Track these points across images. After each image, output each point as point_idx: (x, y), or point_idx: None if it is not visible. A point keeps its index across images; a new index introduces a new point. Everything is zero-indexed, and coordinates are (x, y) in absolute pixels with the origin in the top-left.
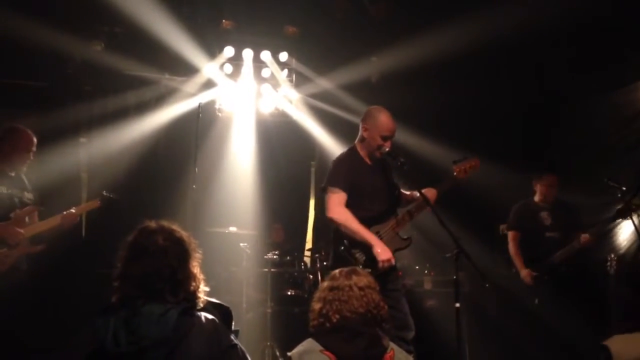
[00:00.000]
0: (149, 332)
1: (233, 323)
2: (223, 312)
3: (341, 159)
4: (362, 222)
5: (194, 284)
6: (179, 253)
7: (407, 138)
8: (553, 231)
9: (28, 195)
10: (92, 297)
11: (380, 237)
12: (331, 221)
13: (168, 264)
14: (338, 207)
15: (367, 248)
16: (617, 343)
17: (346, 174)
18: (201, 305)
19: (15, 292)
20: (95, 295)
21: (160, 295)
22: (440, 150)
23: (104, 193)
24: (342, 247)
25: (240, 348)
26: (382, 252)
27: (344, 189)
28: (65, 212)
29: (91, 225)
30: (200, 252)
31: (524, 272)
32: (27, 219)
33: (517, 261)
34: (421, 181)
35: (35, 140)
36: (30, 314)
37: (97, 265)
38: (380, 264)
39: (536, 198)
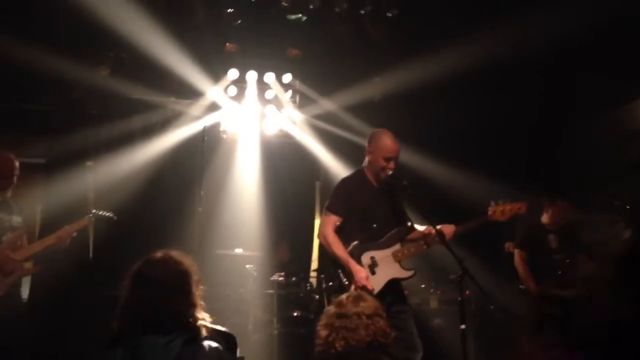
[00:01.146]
0: None
1: (238, 350)
2: (227, 340)
3: (344, 181)
4: (361, 246)
5: (197, 313)
6: (182, 284)
7: (410, 158)
8: (560, 254)
9: (17, 219)
10: (99, 320)
11: (375, 263)
12: (320, 242)
13: (171, 295)
14: (325, 230)
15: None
16: None
17: (345, 197)
18: (205, 334)
19: (12, 319)
20: (102, 318)
21: (164, 326)
22: (443, 169)
23: (93, 211)
24: (332, 267)
25: None
26: (356, 279)
27: (338, 213)
28: (58, 232)
29: (98, 248)
30: (204, 279)
31: (535, 288)
32: (18, 242)
33: (528, 280)
34: (425, 206)
35: (17, 164)
36: (31, 342)
37: (105, 288)
38: (352, 289)
39: (544, 220)
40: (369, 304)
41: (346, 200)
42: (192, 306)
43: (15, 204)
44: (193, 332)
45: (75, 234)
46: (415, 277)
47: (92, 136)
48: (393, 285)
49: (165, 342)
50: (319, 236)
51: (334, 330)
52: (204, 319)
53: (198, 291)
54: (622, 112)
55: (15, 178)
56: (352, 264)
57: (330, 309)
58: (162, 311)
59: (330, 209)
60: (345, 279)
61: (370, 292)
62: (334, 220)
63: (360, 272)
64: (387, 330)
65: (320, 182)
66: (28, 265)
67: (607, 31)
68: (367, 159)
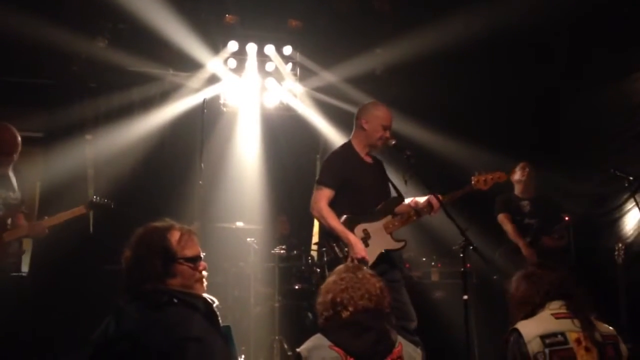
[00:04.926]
0: (123, 327)
1: (220, 318)
2: (207, 307)
3: (334, 154)
4: (352, 219)
5: (177, 282)
6: (152, 251)
7: (412, 130)
8: (532, 218)
9: (13, 196)
10: (100, 294)
11: (368, 235)
12: (313, 216)
13: (142, 261)
14: (318, 204)
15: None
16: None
17: (336, 170)
18: (175, 300)
19: (12, 294)
20: (103, 291)
21: (137, 291)
22: (445, 141)
23: (94, 199)
24: (326, 240)
25: (210, 344)
26: (355, 250)
27: (331, 186)
28: (37, 221)
29: (98, 223)
30: (206, 247)
31: (529, 252)
32: (9, 221)
33: (519, 240)
34: (427, 177)
35: (18, 140)
36: (32, 315)
37: (105, 262)
38: (349, 260)
39: (515, 191)
40: (366, 269)
41: (337, 173)
42: (162, 276)
43: (16, 179)
44: (159, 298)
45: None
46: (416, 250)
47: (91, 109)
48: (386, 256)
49: (136, 308)
50: (312, 210)
51: (340, 292)
52: (182, 285)
53: (180, 258)
54: (625, 84)
55: (17, 155)
56: (351, 236)
57: (330, 277)
58: (136, 276)
59: (323, 182)
60: (340, 252)
61: (366, 263)
62: (327, 193)
63: (358, 244)
64: (386, 294)
65: (321, 155)
66: (14, 246)
67: (611, 2)
68: (357, 131)
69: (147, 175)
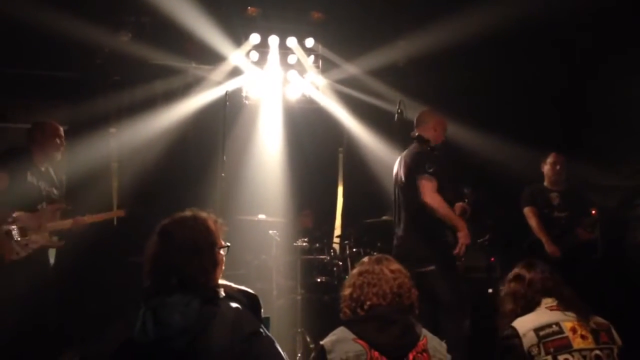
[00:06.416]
0: (172, 321)
1: (262, 310)
2: (251, 300)
3: (426, 152)
4: None
5: (217, 273)
6: (205, 243)
7: None
8: (561, 211)
9: (55, 192)
10: (124, 286)
11: None
12: (425, 205)
13: (192, 254)
14: (433, 193)
15: (454, 232)
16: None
17: (434, 162)
18: (224, 294)
19: (39, 284)
20: (127, 284)
21: (185, 285)
22: (469, 133)
23: (132, 207)
24: (437, 224)
25: (266, 336)
26: (465, 236)
27: (436, 177)
28: (81, 217)
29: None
30: (228, 240)
31: (552, 248)
32: (55, 213)
33: (543, 236)
34: (450, 169)
35: (61, 128)
36: (58, 307)
37: (129, 254)
38: (459, 247)
39: (545, 182)
40: (391, 262)
41: (435, 165)
42: (213, 266)
43: (56, 177)
44: (212, 292)
45: None
46: None
47: (114, 102)
48: None
49: (185, 302)
50: (425, 198)
51: (356, 288)
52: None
53: (221, 250)
54: None
55: (62, 140)
56: (464, 224)
57: (353, 270)
58: (184, 271)
59: (432, 172)
60: (453, 239)
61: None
62: (436, 184)
63: (467, 232)
64: (412, 289)
65: (344, 148)
66: (54, 238)
67: None
68: (425, 135)
69: (170, 167)
